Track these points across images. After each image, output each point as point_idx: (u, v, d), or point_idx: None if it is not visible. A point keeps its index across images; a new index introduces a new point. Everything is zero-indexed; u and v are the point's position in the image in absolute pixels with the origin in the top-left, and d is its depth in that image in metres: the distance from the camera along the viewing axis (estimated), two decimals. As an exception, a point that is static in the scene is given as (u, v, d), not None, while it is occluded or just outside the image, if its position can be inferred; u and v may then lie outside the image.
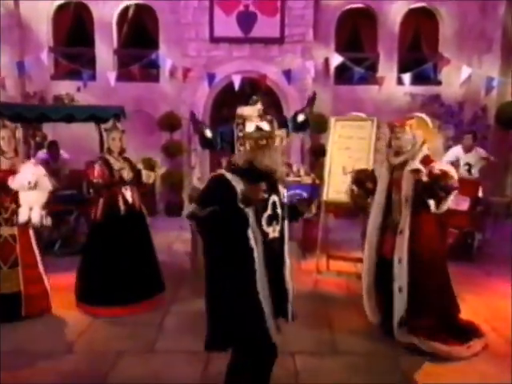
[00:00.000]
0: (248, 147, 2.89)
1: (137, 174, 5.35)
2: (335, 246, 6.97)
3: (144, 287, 5.19)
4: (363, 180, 4.80)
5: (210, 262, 2.94)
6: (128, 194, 5.20)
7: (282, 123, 5.84)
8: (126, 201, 5.17)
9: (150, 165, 5.49)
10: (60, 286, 5.40)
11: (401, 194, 4.33)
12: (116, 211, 5.12)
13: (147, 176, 5.37)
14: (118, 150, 5.24)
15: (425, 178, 4.15)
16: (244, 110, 6.08)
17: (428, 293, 4.31)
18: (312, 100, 5.58)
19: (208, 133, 5.55)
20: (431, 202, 4.20)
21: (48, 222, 4.89)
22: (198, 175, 10.10)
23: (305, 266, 6.63)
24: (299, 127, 5.56)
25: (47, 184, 4.91)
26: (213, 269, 2.93)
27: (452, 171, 4.22)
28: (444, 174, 4.10)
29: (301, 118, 5.46)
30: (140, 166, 5.41)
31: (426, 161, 4.33)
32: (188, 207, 3.39)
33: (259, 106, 6.10)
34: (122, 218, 5.14)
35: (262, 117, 6.01)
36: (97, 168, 5.12)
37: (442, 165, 4.33)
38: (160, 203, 10.61)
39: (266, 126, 3.12)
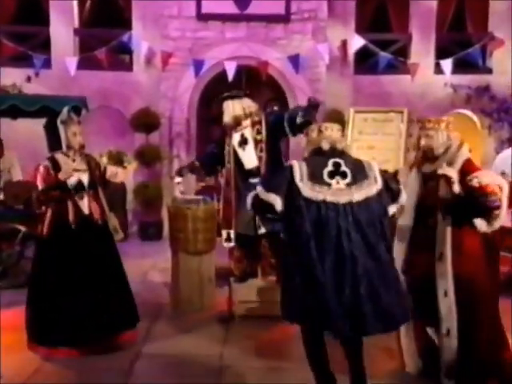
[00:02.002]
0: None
1: (102, 174, 5.33)
2: None
3: (111, 322, 5.13)
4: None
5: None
6: (83, 202, 5.15)
7: (278, 122, 5.89)
8: (78, 211, 5.11)
9: (118, 159, 5.43)
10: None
11: (437, 208, 4.27)
12: (66, 225, 5.06)
13: (112, 173, 5.33)
14: (77, 147, 5.22)
15: (457, 189, 4.11)
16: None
17: (479, 334, 4.24)
18: (312, 108, 5.61)
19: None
20: (478, 222, 4.14)
21: None
22: (181, 188, 10.06)
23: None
24: (298, 130, 5.62)
25: None
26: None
27: (498, 183, 4.13)
28: (483, 189, 4.02)
29: (299, 120, 5.49)
30: (104, 160, 5.38)
31: (469, 168, 4.23)
32: None
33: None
34: (75, 234, 5.07)
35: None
36: (41, 171, 5.08)
37: (487, 175, 4.20)
38: (133, 224, 10.62)
39: None
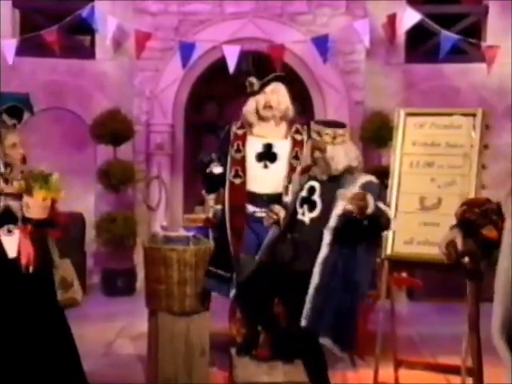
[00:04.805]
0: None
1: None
2: (410, 345, 6.95)
3: None
4: (478, 223, 4.60)
5: None
6: (11, 240, 5.10)
7: None
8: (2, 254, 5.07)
9: (43, 179, 5.27)
10: None
11: None
12: None
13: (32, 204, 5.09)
14: (19, 162, 5.25)
15: None
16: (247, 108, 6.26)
17: None
18: None
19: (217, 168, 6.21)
20: None
21: None
22: (162, 221, 10.06)
23: (355, 379, 6.57)
24: None
25: None
26: None
27: None
28: None
29: None
30: (22, 184, 5.15)
31: None
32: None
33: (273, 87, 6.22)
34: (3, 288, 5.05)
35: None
36: None
37: None
38: (94, 272, 10.64)
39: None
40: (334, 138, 5.25)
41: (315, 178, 5.28)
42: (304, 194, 5.28)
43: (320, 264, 5.14)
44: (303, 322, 5.09)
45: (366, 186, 5.14)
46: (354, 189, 5.09)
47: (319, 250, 5.16)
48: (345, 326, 5.24)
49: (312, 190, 5.27)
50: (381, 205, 5.14)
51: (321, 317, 5.12)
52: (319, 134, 5.29)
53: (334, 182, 5.25)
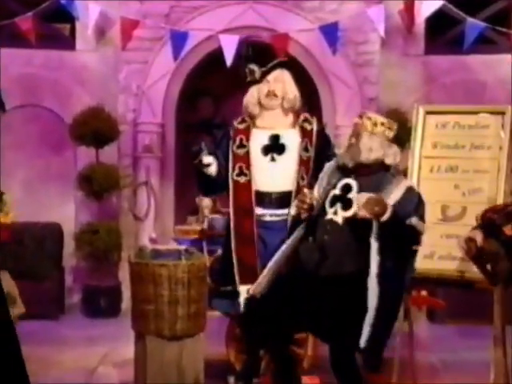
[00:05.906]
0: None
1: None
2: (431, 372, 6.95)
3: None
4: (500, 222, 4.72)
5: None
6: None
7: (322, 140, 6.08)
8: None
9: None
10: None
11: None
12: None
13: None
14: None
15: None
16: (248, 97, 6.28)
17: None
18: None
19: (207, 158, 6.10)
20: None
21: None
22: (151, 233, 10.06)
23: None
24: None
25: None
26: None
27: None
28: None
29: None
30: None
31: None
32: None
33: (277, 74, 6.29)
34: None
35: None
36: None
37: None
38: (73, 291, 10.62)
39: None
40: (375, 125, 5.32)
41: (349, 175, 5.34)
42: (337, 192, 5.35)
43: (376, 276, 5.08)
44: (363, 344, 5.06)
45: (408, 192, 5.27)
46: (399, 192, 5.20)
47: (354, 255, 5.18)
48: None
49: (347, 187, 5.33)
50: (413, 219, 5.18)
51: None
52: (361, 116, 5.43)
53: (372, 180, 5.33)
